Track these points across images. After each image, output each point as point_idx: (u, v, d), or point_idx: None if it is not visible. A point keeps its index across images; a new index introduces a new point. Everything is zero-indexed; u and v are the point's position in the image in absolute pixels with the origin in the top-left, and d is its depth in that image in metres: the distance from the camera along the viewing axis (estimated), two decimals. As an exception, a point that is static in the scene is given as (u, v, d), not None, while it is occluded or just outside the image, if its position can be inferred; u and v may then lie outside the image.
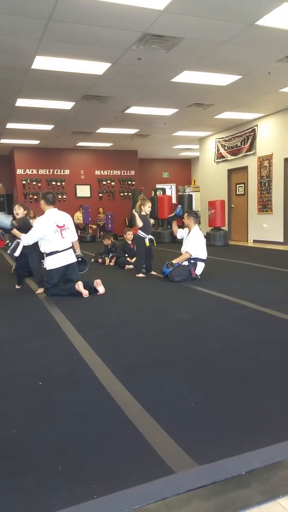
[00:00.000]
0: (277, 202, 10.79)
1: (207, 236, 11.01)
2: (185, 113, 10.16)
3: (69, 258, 5.22)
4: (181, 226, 6.31)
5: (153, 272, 6.54)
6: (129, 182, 15.79)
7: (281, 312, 4.02)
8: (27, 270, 5.71)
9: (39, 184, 14.53)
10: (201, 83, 7.78)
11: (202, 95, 8.68)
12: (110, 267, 7.70)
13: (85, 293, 4.99)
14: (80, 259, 5.44)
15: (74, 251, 5.34)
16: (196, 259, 5.88)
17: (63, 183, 14.90)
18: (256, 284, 5.64)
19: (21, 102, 8.66)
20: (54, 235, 5.11)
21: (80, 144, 13.91)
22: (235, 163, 12.47)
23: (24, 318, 4.26)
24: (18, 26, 5.21)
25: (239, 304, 4.45)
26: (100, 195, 15.51)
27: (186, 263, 5.88)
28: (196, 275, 5.86)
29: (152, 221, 8.44)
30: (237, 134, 12.15)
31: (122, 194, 15.76)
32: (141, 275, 6.38)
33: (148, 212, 6.53)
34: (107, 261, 7.88)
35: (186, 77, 7.40)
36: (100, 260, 8.11)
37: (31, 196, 14.36)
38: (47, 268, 5.18)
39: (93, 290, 5.08)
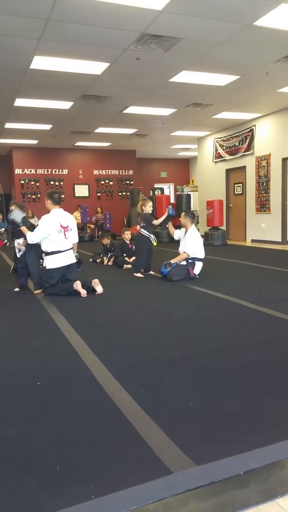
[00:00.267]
0: (275, 202, 10.81)
1: (205, 236, 11.03)
2: (183, 113, 10.16)
3: (70, 258, 5.27)
4: (178, 226, 6.32)
5: (151, 272, 6.54)
6: (128, 182, 15.79)
7: (279, 311, 4.03)
8: (27, 271, 5.69)
9: (38, 184, 14.53)
10: (199, 83, 7.78)
11: (200, 95, 8.68)
12: (108, 266, 7.70)
13: (83, 292, 4.99)
14: (77, 260, 5.47)
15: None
16: (194, 259, 5.89)
17: (61, 183, 14.91)
18: (254, 284, 5.65)
19: (19, 102, 8.65)
20: (58, 235, 5.13)
21: (79, 143, 13.90)
22: (233, 163, 12.48)
23: (22, 318, 4.25)
24: (16, 26, 5.20)
25: (237, 304, 4.46)
26: (99, 194, 15.52)
27: (184, 262, 5.88)
28: (194, 274, 5.86)
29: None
30: (235, 134, 12.16)
31: (120, 193, 15.76)
32: (139, 274, 6.39)
33: (150, 212, 6.56)
34: (105, 260, 7.89)
35: (184, 77, 7.40)
36: (98, 260, 8.11)
37: (29, 195, 14.36)
38: (48, 267, 5.19)
39: (91, 290, 5.09)
